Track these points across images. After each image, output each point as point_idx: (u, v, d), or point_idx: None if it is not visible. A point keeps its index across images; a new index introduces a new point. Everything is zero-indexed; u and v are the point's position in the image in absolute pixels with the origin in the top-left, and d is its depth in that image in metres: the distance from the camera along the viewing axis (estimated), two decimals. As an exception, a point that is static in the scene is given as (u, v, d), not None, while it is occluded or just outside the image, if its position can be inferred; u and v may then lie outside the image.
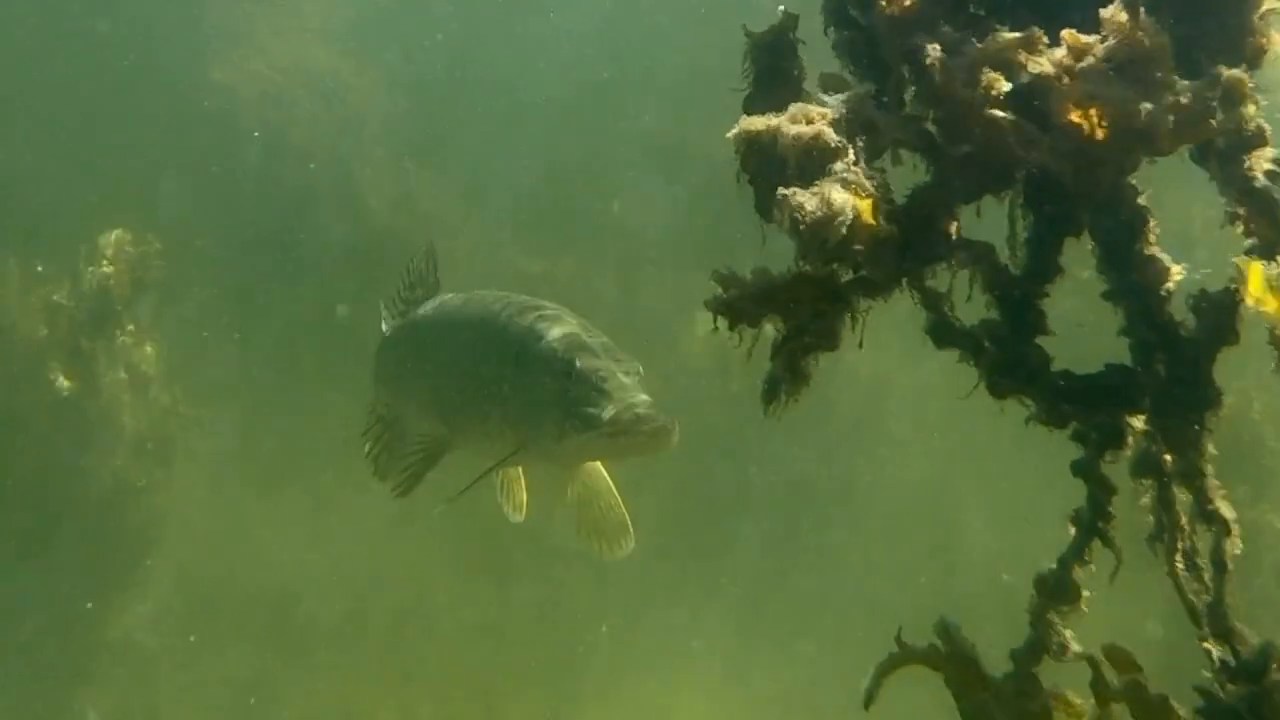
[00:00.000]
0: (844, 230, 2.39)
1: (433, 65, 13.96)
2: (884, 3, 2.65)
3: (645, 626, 10.57)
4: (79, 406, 8.67)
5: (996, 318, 2.58)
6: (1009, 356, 2.56)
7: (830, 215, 2.38)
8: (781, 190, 2.44)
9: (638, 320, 11.35)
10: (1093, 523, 2.62)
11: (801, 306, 2.49)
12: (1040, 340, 2.58)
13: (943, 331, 2.64)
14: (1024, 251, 2.57)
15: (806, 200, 2.40)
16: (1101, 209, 2.63)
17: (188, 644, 10.03)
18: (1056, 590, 2.62)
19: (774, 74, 2.83)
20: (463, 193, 13.00)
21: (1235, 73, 2.31)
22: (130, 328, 8.88)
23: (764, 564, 10.85)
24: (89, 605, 9.11)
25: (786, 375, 2.51)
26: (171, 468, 9.39)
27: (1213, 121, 2.36)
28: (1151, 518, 2.66)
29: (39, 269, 8.83)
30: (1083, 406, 2.55)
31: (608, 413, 4.36)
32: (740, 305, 2.50)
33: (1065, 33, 2.42)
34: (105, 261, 8.74)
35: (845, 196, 2.40)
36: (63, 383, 8.50)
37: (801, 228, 2.40)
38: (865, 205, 2.44)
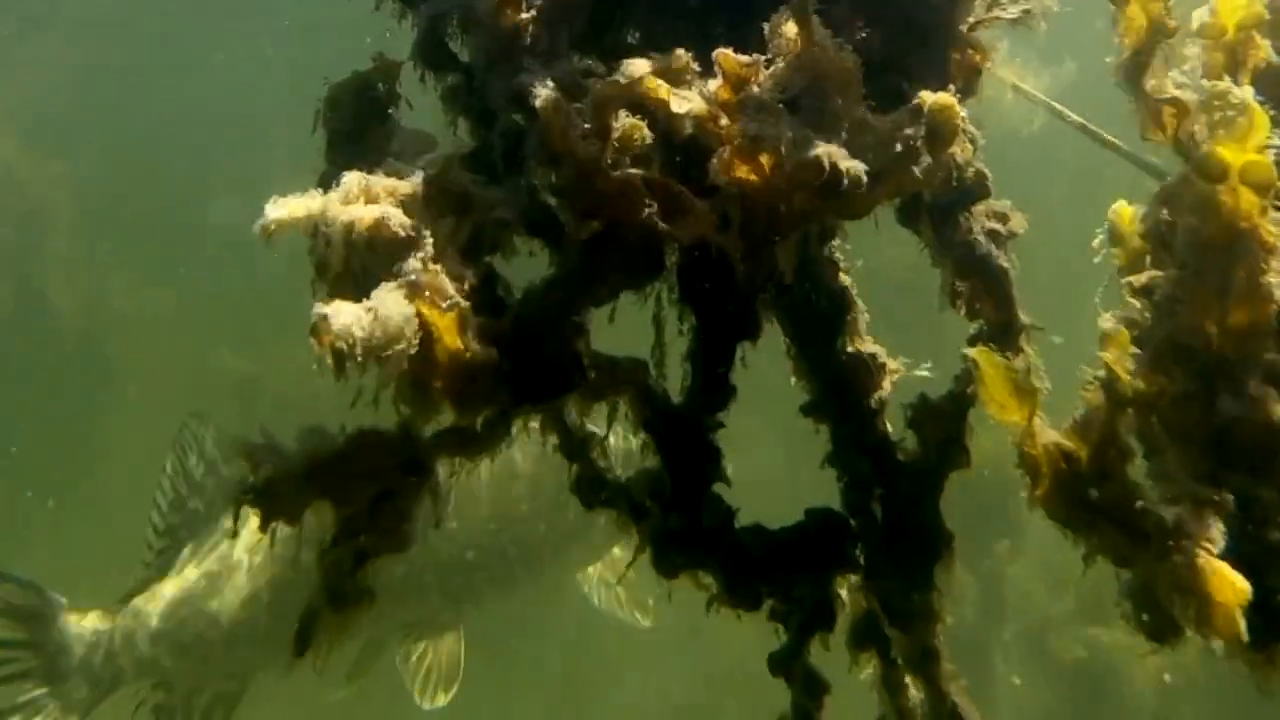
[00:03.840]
0: (405, 362, 1.58)
1: (127, 155, 12.70)
2: (487, 20, 1.90)
3: None
4: None
5: (656, 465, 1.82)
6: (677, 519, 1.80)
7: (385, 339, 1.57)
8: (318, 307, 1.62)
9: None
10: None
11: (363, 485, 1.66)
12: (719, 489, 1.83)
13: (591, 489, 1.86)
14: (687, 367, 1.83)
15: (352, 320, 1.59)
16: (788, 296, 1.93)
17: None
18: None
19: (358, 140, 2.03)
20: (164, 288, 11.77)
21: (941, 97, 1.63)
22: None
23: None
24: None
25: (332, 599, 1.65)
26: None
27: (916, 168, 1.68)
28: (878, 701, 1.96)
29: None
30: (779, 575, 1.82)
31: None
32: (279, 493, 1.64)
33: (718, 54, 1.71)
34: None
35: (405, 309, 1.59)
36: None
37: (349, 364, 1.59)
38: (445, 320, 1.64)
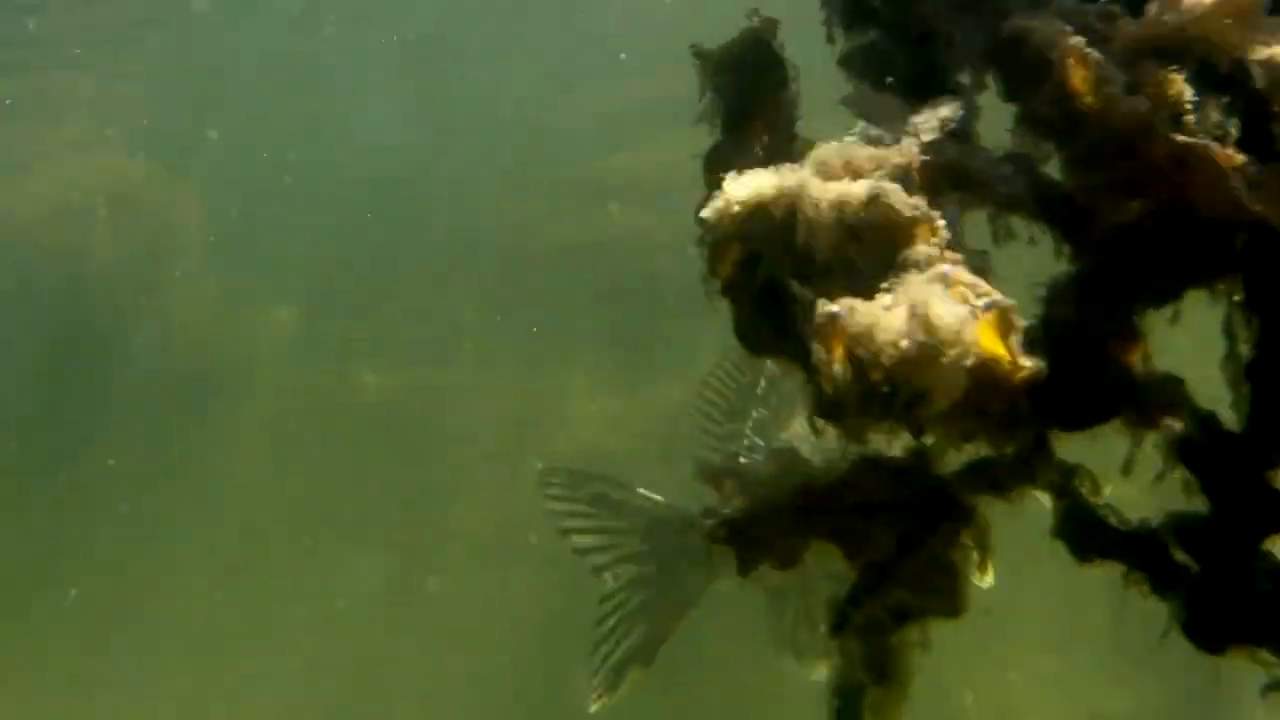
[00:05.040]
0: (964, 375, 1.22)
1: (249, 167, 12.64)
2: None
3: None
4: None
5: (1200, 510, 1.43)
6: (1226, 580, 1.41)
7: (936, 348, 1.21)
8: (825, 307, 1.26)
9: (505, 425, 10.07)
10: None
11: (877, 526, 1.29)
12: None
13: (1088, 535, 1.48)
14: (1246, 389, 1.43)
15: (879, 323, 1.23)
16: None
17: None
18: None
19: (754, 109, 1.68)
20: (292, 303, 11.61)
21: None
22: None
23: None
24: None
25: (873, 669, 1.29)
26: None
27: None
28: None
29: None
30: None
31: None
32: (762, 532, 1.29)
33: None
34: None
35: (957, 310, 1.23)
36: None
37: (876, 376, 1.23)
38: (985, 323, 1.28)
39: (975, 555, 1.28)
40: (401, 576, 9.30)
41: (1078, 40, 1.40)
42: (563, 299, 10.84)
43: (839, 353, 1.25)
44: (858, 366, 1.24)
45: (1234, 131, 1.37)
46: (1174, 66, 1.39)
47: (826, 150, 1.38)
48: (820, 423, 1.45)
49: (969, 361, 1.20)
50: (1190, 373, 1.48)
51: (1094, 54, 1.39)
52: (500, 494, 9.55)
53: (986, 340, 1.27)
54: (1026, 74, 1.46)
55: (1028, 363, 1.27)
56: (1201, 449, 1.41)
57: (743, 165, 1.58)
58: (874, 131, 1.45)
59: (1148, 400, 1.35)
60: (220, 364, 11.56)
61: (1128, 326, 1.36)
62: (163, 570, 9.32)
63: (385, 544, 9.72)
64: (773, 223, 1.39)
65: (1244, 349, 1.39)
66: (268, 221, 11.64)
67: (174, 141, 11.98)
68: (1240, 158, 1.34)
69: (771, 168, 1.41)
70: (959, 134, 1.51)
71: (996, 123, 1.61)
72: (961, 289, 1.28)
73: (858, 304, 1.26)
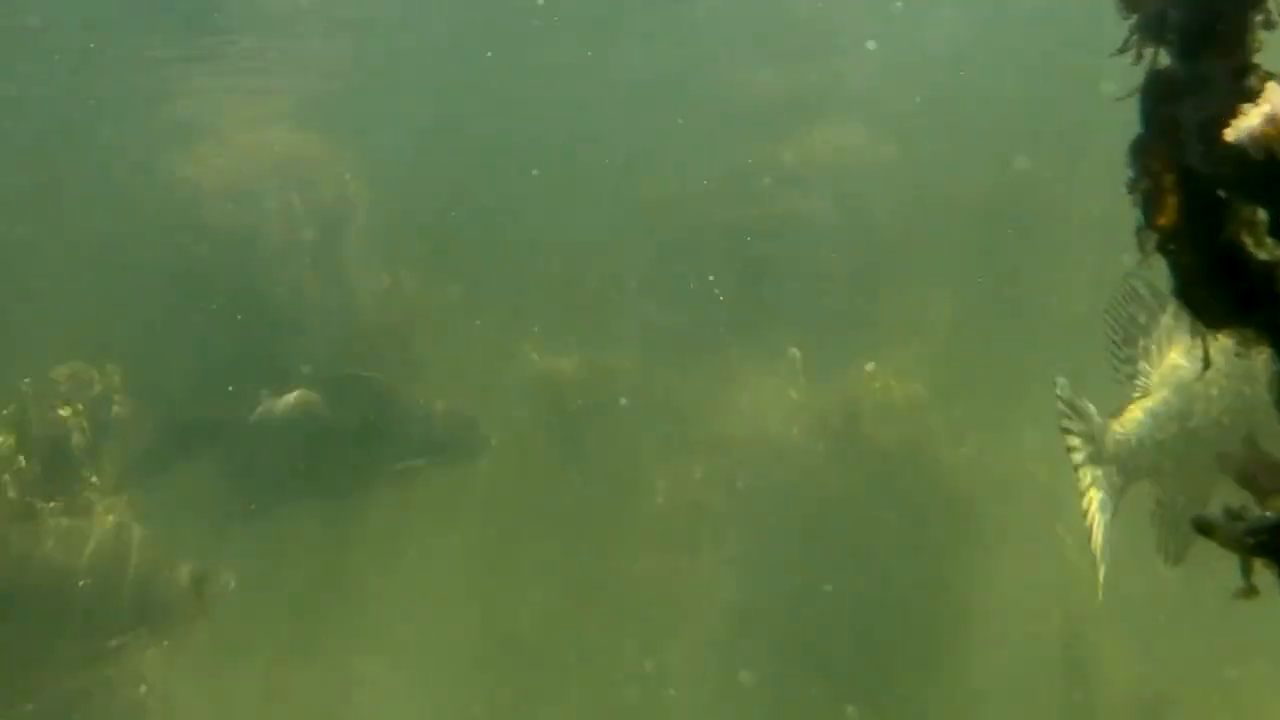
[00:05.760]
0: None
1: (412, 143, 12.64)
2: None
3: None
4: (33, 580, 7.03)
5: None
6: None
7: None
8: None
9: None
10: None
11: None
12: None
13: None
14: None
15: None
16: None
17: None
18: None
19: (1221, 28, 1.51)
20: (459, 281, 11.60)
21: None
22: (93, 480, 7.24)
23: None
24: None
25: None
26: (157, 644, 7.68)
27: None
28: None
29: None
30: None
31: None
32: None
33: None
34: (59, 402, 7.12)
35: None
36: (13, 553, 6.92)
37: None
38: None
39: None
40: (585, 563, 9.24)
41: None
42: (733, 283, 10.62)
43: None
44: None
45: None
46: None
47: None
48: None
49: None
50: None
51: None
52: (680, 480, 9.40)
53: None
54: None
55: None
56: None
57: (1200, 94, 1.41)
58: None
59: None
60: (390, 341, 11.59)
61: None
62: (366, 559, 9.36)
63: (562, 530, 9.66)
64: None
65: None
66: (436, 199, 11.64)
67: (348, 118, 12.03)
68: None
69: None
70: None
71: None
72: None
73: None
